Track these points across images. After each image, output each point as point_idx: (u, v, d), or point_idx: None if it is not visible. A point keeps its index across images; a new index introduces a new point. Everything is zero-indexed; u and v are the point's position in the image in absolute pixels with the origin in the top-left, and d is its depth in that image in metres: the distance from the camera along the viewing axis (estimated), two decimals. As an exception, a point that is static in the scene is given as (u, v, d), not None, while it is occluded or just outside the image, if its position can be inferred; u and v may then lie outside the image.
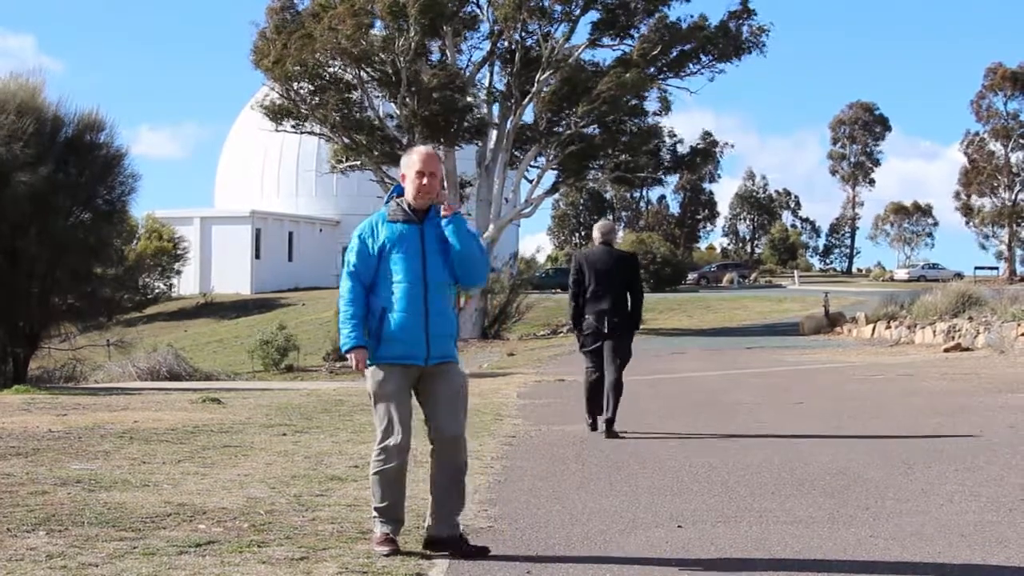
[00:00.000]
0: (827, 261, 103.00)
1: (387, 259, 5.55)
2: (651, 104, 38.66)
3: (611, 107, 35.26)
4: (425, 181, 5.59)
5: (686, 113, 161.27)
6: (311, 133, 38.76)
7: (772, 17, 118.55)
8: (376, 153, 35.78)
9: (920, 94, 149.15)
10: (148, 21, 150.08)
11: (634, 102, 36.96)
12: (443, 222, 5.60)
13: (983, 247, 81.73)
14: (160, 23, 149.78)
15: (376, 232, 5.61)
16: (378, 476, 5.55)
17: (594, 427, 10.64)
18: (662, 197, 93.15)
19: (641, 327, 11.19)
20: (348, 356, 5.62)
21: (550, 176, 39.38)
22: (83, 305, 22.43)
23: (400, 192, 5.71)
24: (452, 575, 5.19)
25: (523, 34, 36.50)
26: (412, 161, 5.65)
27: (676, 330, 38.58)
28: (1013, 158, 78.05)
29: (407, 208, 5.62)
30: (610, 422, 10.33)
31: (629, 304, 10.59)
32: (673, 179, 68.71)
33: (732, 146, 65.18)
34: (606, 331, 10.43)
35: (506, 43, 36.75)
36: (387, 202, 5.71)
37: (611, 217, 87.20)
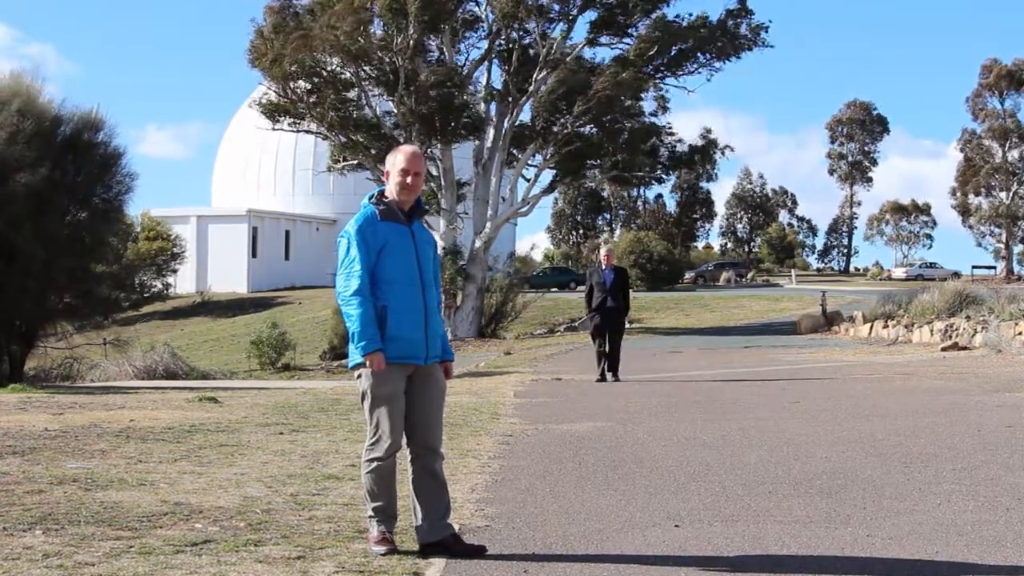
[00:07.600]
0: (825, 260, 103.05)
1: (385, 258, 5.54)
2: (648, 104, 38.71)
3: (607, 107, 35.22)
4: (410, 180, 5.65)
5: (691, 112, 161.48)
6: (308, 132, 38.70)
7: (773, 17, 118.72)
8: (373, 151, 35.69)
9: (920, 92, 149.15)
10: (150, 22, 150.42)
11: (630, 102, 36.91)
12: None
13: (980, 246, 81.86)
14: (162, 24, 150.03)
15: (374, 230, 5.57)
16: (371, 476, 5.55)
17: (602, 379, 16.67)
18: (659, 196, 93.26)
19: (632, 321, 16.74)
20: (367, 359, 5.45)
21: (547, 175, 39.40)
22: (80, 304, 22.42)
23: (381, 192, 5.72)
24: (449, 574, 5.18)
25: (521, 33, 36.48)
26: (397, 160, 5.70)
27: (673, 329, 38.55)
28: (1011, 156, 77.84)
29: (396, 208, 5.64)
30: (613, 373, 16.84)
31: (621, 298, 17.10)
32: (671, 178, 68.73)
33: (732, 149, 64.93)
34: (603, 316, 16.87)
35: (504, 42, 36.72)
36: (369, 200, 5.70)
37: (608, 216, 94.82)
